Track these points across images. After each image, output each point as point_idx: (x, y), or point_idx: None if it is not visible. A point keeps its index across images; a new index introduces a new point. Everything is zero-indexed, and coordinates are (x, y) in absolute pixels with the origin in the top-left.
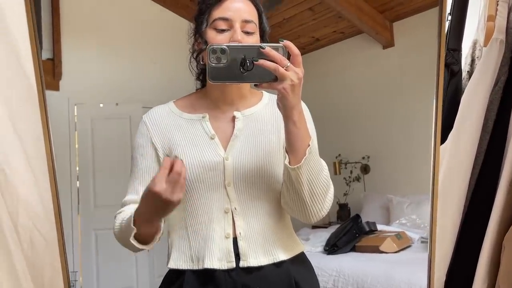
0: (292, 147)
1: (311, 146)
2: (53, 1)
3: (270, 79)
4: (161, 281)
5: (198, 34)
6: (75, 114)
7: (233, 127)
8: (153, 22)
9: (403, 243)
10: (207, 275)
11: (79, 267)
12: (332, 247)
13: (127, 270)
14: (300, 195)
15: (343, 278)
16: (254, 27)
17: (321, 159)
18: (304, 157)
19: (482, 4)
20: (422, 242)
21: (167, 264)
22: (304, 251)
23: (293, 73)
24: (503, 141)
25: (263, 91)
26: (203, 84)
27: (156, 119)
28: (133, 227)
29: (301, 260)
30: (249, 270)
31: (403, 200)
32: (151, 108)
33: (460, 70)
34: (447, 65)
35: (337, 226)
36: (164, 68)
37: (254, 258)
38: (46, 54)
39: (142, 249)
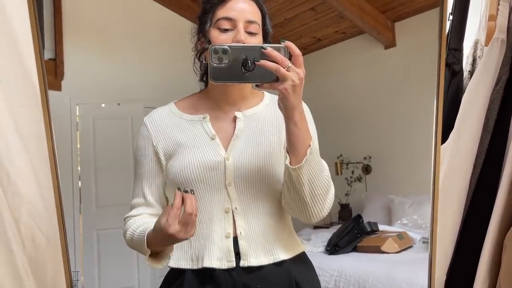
0: (293, 147)
1: (312, 146)
2: (55, 1)
3: (271, 80)
4: (162, 281)
5: (202, 33)
6: (77, 114)
7: (234, 127)
8: (154, 23)
9: (404, 243)
10: (207, 274)
11: (80, 266)
12: (333, 247)
13: (129, 270)
14: (301, 195)
15: (345, 278)
16: (257, 28)
17: (322, 159)
18: (305, 158)
19: (483, 4)
20: (423, 242)
21: (168, 263)
22: (306, 251)
23: (294, 73)
24: (504, 140)
25: (265, 92)
26: (207, 85)
27: (157, 121)
28: (147, 249)
29: (302, 260)
30: (250, 269)
31: (404, 200)
32: (153, 108)
33: (461, 70)
34: (448, 65)
35: (339, 226)
36: (166, 68)
37: (254, 257)
38: (48, 54)
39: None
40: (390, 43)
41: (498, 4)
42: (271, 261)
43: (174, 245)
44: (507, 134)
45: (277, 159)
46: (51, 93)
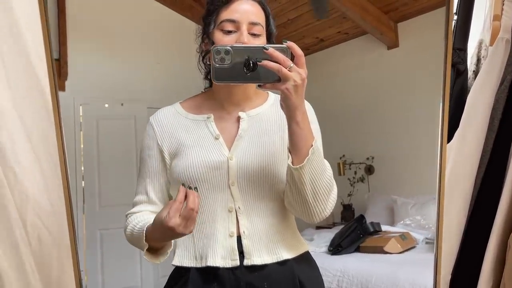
0: (295, 147)
1: (314, 146)
2: (59, 3)
3: (273, 80)
4: (165, 281)
5: (206, 35)
6: (81, 114)
7: (238, 127)
8: (158, 23)
9: (407, 243)
10: (211, 273)
11: (84, 266)
12: (336, 248)
13: (132, 269)
14: (303, 195)
15: (347, 278)
16: (261, 29)
17: (325, 159)
18: (307, 157)
19: (488, 4)
20: (426, 243)
21: (172, 262)
22: (309, 252)
23: (296, 73)
24: (509, 139)
25: (269, 92)
26: (211, 83)
27: (162, 121)
28: (145, 243)
29: (305, 259)
30: (253, 268)
31: (407, 201)
32: (156, 108)
33: (466, 70)
34: (453, 65)
35: (341, 226)
36: (169, 68)
37: (258, 256)
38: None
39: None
40: (393, 44)
41: (503, 4)
42: (274, 260)
43: (178, 244)
44: None
45: (280, 159)
46: None
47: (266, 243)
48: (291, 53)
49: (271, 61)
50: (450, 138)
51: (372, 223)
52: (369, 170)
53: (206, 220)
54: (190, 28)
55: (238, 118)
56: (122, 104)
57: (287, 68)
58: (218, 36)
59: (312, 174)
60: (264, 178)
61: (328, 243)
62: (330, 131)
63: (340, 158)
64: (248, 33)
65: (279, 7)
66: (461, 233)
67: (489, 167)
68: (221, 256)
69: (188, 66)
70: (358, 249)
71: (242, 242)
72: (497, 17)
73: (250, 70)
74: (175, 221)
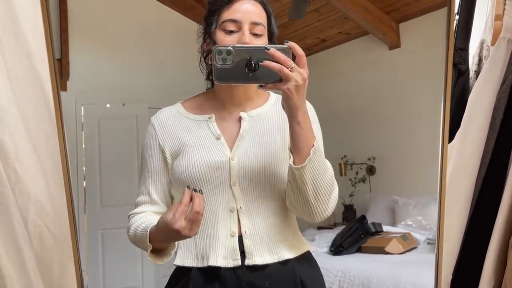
0: (296, 147)
1: (315, 146)
2: (61, 2)
3: (275, 80)
4: (166, 280)
5: (207, 35)
6: (82, 114)
7: (239, 127)
8: (159, 23)
9: (409, 244)
10: (213, 272)
11: (85, 266)
12: (337, 248)
13: (133, 269)
14: (305, 195)
15: (349, 279)
16: (262, 29)
17: (326, 159)
18: (308, 157)
19: (489, 4)
20: (428, 243)
21: (173, 261)
22: (310, 252)
23: (298, 74)
24: (510, 139)
25: (270, 92)
26: (213, 83)
27: (163, 121)
28: (149, 244)
29: (306, 259)
30: (255, 268)
31: (409, 201)
32: (157, 108)
33: (467, 70)
34: (454, 65)
35: (343, 227)
36: (170, 69)
37: (259, 256)
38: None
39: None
40: (394, 44)
41: (504, 4)
42: (276, 260)
43: (180, 244)
44: None
45: (282, 159)
46: None
47: (268, 243)
48: (293, 54)
49: (272, 61)
50: (451, 138)
51: (373, 223)
52: (371, 170)
53: (207, 220)
54: (191, 28)
55: (240, 118)
56: (123, 104)
57: (289, 68)
58: (220, 36)
59: (314, 173)
60: (265, 178)
61: (330, 244)
62: (332, 131)
63: (342, 158)
64: (250, 33)
65: (281, 7)
66: (462, 233)
67: (490, 167)
68: (223, 256)
69: (190, 66)
70: (359, 250)
71: (244, 242)
72: (498, 17)
73: (251, 70)
74: (180, 223)
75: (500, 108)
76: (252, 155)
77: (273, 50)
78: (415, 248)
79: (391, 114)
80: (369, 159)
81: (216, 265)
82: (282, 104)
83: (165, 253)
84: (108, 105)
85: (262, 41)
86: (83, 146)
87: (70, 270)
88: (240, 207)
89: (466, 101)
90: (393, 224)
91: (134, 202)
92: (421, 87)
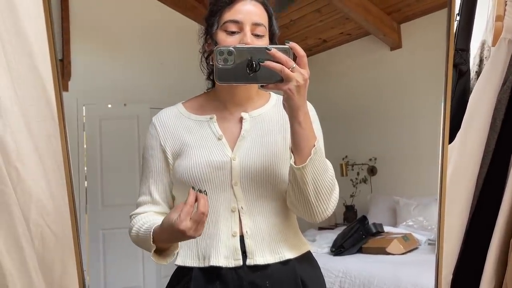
0: (297, 147)
1: (316, 146)
2: (63, 3)
3: (276, 80)
4: (167, 281)
5: (209, 35)
6: (84, 114)
7: (241, 128)
8: (161, 24)
9: (410, 245)
10: (214, 272)
11: (86, 266)
12: (338, 249)
13: (134, 269)
14: (305, 194)
15: (350, 279)
16: (263, 30)
17: (327, 159)
18: (309, 157)
19: (490, 5)
20: (429, 244)
21: (175, 261)
22: (311, 252)
23: (299, 74)
24: (511, 140)
25: (271, 92)
26: (214, 84)
27: (165, 121)
28: (153, 245)
29: (307, 259)
30: (256, 268)
31: (410, 202)
32: (159, 108)
33: (468, 70)
34: (455, 65)
35: (344, 227)
36: (172, 69)
37: (260, 256)
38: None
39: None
40: (396, 45)
41: (505, 5)
42: (277, 260)
43: (181, 244)
44: None
45: (283, 159)
46: None
47: (269, 242)
48: (294, 54)
49: (273, 61)
50: (452, 138)
51: (374, 224)
52: (372, 171)
53: (209, 220)
54: (192, 29)
55: (241, 119)
56: (125, 105)
57: (290, 69)
58: (222, 36)
59: (314, 173)
60: (266, 178)
61: (331, 244)
62: (333, 131)
63: (343, 159)
64: (251, 34)
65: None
66: (462, 234)
67: (491, 167)
68: (224, 256)
69: (191, 66)
70: (360, 250)
71: (245, 242)
72: (499, 18)
73: (252, 70)
74: (186, 224)
75: (500, 108)
76: (253, 155)
77: (274, 50)
78: (416, 248)
79: (392, 114)
80: (370, 159)
81: (217, 265)
82: (283, 104)
83: (168, 253)
84: (109, 105)
85: (264, 42)
86: (85, 146)
87: (71, 270)
88: (242, 207)
89: (467, 101)
90: (394, 224)
91: (135, 202)
92: (422, 88)
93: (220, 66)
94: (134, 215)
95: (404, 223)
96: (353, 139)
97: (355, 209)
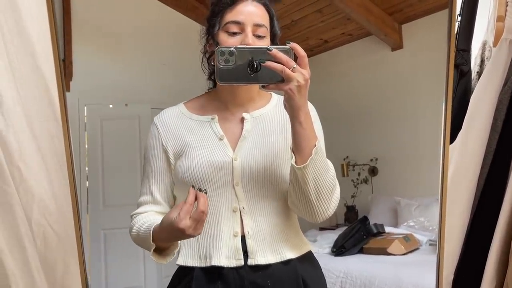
0: (298, 147)
1: (317, 146)
2: (64, 3)
3: (277, 81)
4: (168, 281)
5: (210, 36)
6: (85, 114)
7: (242, 128)
8: (162, 24)
9: (411, 245)
10: (216, 272)
11: (88, 266)
12: (339, 249)
13: (135, 269)
14: (306, 194)
15: (351, 279)
16: (265, 31)
17: (328, 159)
18: (310, 157)
19: (491, 5)
20: (430, 244)
21: (176, 261)
22: (312, 252)
23: (300, 74)
24: None
25: (272, 93)
26: (215, 84)
27: (166, 121)
28: (153, 244)
29: (308, 259)
30: (257, 268)
31: (411, 202)
32: (160, 109)
33: (469, 71)
34: (456, 66)
35: (345, 228)
36: (173, 69)
37: (262, 256)
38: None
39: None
40: (397, 45)
41: (507, 5)
42: (278, 260)
43: (182, 244)
44: None
45: (284, 159)
46: None
47: (270, 242)
48: (294, 54)
49: (274, 62)
50: (453, 139)
51: (375, 224)
52: (373, 171)
53: (210, 220)
54: (194, 29)
55: (242, 119)
56: (126, 105)
57: (291, 69)
58: (223, 37)
59: (315, 173)
60: (268, 178)
61: (332, 244)
62: (334, 132)
63: (344, 159)
64: (253, 35)
65: (283, 9)
66: (464, 234)
67: (492, 167)
68: (226, 256)
69: (192, 66)
70: (361, 251)
71: (246, 242)
72: (500, 18)
73: (253, 71)
74: (185, 223)
75: (502, 109)
76: (255, 156)
77: (275, 51)
78: (417, 249)
79: (393, 115)
80: (371, 160)
81: (219, 264)
82: (284, 105)
83: (168, 253)
84: (111, 106)
85: (265, 43)
86: (86, 146)
87: (73, 270)
88: (243, 207)
89: (468, 102)
90: (395, 225)
91: (136, 202)
92: (423, 88)
93: (221, 66)
94: (135, 215)
95: (405, 223)
96: (354, 140)
97: (356, 210)
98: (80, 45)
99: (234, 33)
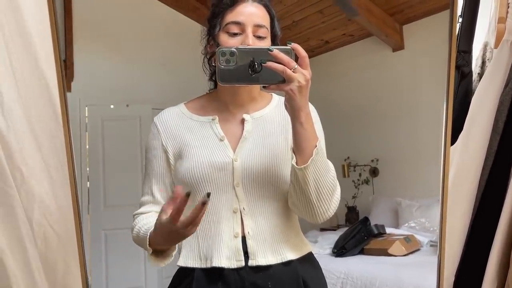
0: (299, 147)
1: (318, 147)
2: (66, 4)
3: (278, 81)
4: (169, 281)
5: (211, 36)
6: (86, 115)
7: (242, 129)
8: (163, 25)
9: (412, 246)
10: (216, 273)
11: (88, 266)
12: (340, 250)
13: (136, 270)
14: (307, 195)
15: (351, 280)
16: (265, 31)
17: (328, 160)
18: (311, 158)
19: (493, 6)
20: (431, 245)
21: (177, 262)
22: (312, 253)
23: (301, 75)
24: None
25: (273, 94)
26: (216, 85)
27: (167, 121)
28: (149, 248)
29: (309, 260)
30: (258, 269)
31: (412, 203)
32: (161, 109)
33: (470, 72)
34: (457, 67)
35: (346, 228)
36: (174, 70)
37: (262, 257)
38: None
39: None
40: (398, 46)
41: (508, 7)
42: (279, 261)
43: (183, 245)
44: None
45: (284, 160)
46: None
47: (271, 243)
48: (295, 55)
49: (275, 62)
50: (455, 140)
51: (376, 225)
52: (374, 172)
53: (211, 221)
54: (195, 30)
55: (242, 120)
56: (127, 105)
57: (292, 69)
58: (224, 38)
59: (316, 174)
60: (268, 179)
61: (332, 245)
62: (335, 132)
63: (345, 160)
64: (253, 36)
65: (284, 9)
66: (465, 235)
67: (493, 169)
68: (226, 257)
69: (193, 67)
70: (362, 252)
71: (247, 243)
72: (502, 20)
73: (254, 71)
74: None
75: (503, 110)
76: (255, 157)
77: (276, 51)
78: (418, 250)
79: (394, 115)
80: (372, 160)
81: (219, 265)
82: (285, 105)
83: (165, 256)
84: (112, 106)
85: (266, 44)
86: (87, 146)
87: (74, 270)
88: (243, 208)
89: (469, 103)
90: (396, 226)
91: (137, 202)
92: (424, 89)
93: (222, 67)
94: (136, 215)
95: (406, 224)
96: (355, 140)
97: (357, 210)
98: (82, 45)
99: (235, 34)
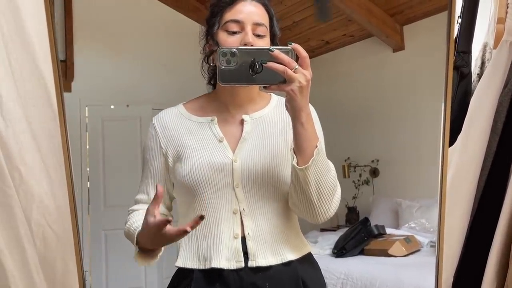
0: (299, 148)
1: (318, 147)
2: (66, 4)
3: (278, 81)
4: (169, 282)
5: (210, 36)
6: (86, 115)
7: (242, 130)
8: (163, 25)
9: (412, 247)
10: (215, 274)
11: (88, 266)
12: (340, 250)
13: (136, 270)
14: (308, 195)
15: (351, 281)
16: (265, 30)
17: (329, 160)
18: (312, 158)
19: (492, 7)
20: (431, 246)
21: (175, 263)
22: (312, 254)
23: (301, 75)
24: None
25: (272, 94)
26: (215, 88)
27: (165, 122)
28: (137, 247)
29: (308, 260)
30: (258, 269)
31: (412, 203)
32: (161, 109)
33: (470, 73)
34: (457, 68)
35: (346, 229)
36: (174, 70)
37: (262, 258)
38: (58, 56)
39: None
40: (398, 46)
41: (507, 7)
42: (279, 261)
43: (182, 245)
44: None
45: (284, 161)
46: None
47: (271, 244)
48: (296, 55)
49: (276, 63)
50: (454, 141)
51: (376, 226)
52: (374, 172)
53: (210, 222)
54: (195, 30)
55: (242, 121)
56: (127, 106)
57: (292, 70)
58: (223, 36)
59: (317, 174)
60: (268, 180)
61: (332, 246)
62: (335, 133)
63: (345, 160)
64: (253, 34)
65: (285, 10)
66: (463, 236)
67: (492, 170)
68: (226, 258)
69: (193, 67)
70: (362, 252)
71: (247, 244)
72: (501, 20)
73: (255, 71)
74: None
75: (502, 111)
76: (255, 157)
77: (277, 51)
78: (418, 251)
79: (394, 116)
80: (372, 161)
81: (219, 267)
82: (286, 105)
83: (153, 256)
84: (112, 106)
85: (265, 42)
86: (87, 146)
87: (72, 269)
88: (243, 209)
89: (468, 104)
90: (396, 226)
91: (135, 199)
92: (424, 90)
93: (223, 67)
94: (131, 211)
95: (406, 225)
96: (355, 141)
97: (357, 211)
98: (82, 46)
99: (234, 32)
